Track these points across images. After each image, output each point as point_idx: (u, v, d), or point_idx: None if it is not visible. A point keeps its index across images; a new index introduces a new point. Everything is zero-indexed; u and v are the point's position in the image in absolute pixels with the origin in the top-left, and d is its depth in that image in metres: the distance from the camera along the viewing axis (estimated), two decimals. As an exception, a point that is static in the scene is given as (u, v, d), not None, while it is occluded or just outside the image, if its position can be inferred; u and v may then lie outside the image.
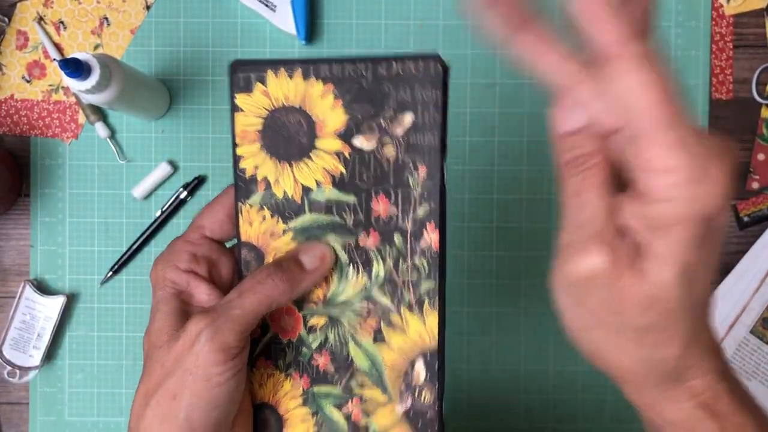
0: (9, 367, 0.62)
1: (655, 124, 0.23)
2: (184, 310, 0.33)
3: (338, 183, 0.32)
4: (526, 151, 0.63)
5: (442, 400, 0.32)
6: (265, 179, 0.33)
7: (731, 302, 0.60)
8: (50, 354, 0.63)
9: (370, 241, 0.32)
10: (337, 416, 0.34)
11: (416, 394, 0.32)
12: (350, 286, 0.33)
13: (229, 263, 0.35)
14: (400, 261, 0.32)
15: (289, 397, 0.34)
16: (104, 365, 0.63)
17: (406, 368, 0.33)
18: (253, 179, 0.33)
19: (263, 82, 0.32)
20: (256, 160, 0.33)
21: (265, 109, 0.32)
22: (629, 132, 0.24)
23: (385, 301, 0.33)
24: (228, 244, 0.36)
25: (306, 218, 0.33)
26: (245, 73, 0.32)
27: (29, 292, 0.62)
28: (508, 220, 0.62)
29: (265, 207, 0.33)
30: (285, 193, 0.33)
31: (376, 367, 0.33)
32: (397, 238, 0.32)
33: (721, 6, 0.62)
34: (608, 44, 0.24)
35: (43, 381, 0.63)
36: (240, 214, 0.34)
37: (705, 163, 0.23)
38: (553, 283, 0.28)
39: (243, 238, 0.34)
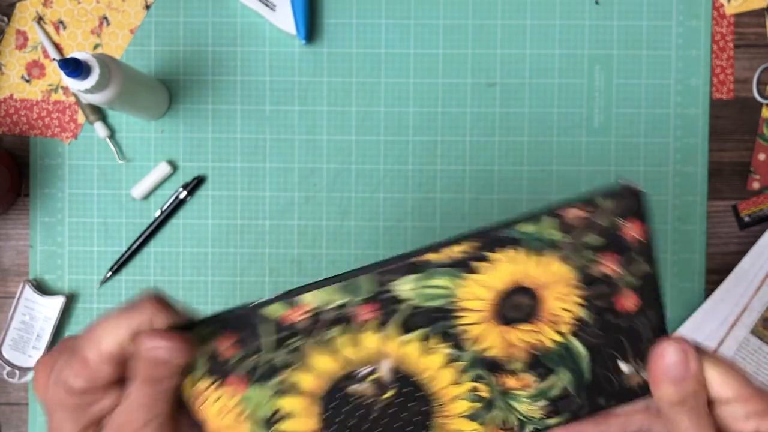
0: (8, 368, 0.62)
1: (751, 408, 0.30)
2: (93, 423, 0.28)
3: None
4: (526, 151, 0.63)
5: None
6: None
7: (732, 302, 0.60)
8: (50, 354, 0.63)
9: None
10: None
11: None
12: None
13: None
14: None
15: None
16: (104, 365, 0.63)
17: None
18: None
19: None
20: None
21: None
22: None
23: None
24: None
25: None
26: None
27: (29, 292, 0.62)
28: (509, 220, 0.62)
29: None
30: None
31: None
32: None
33: (722, 5, 0.62)
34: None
35: (43, 381, 0.63)
36: None
37: None
38: None
39: None
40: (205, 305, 0.63)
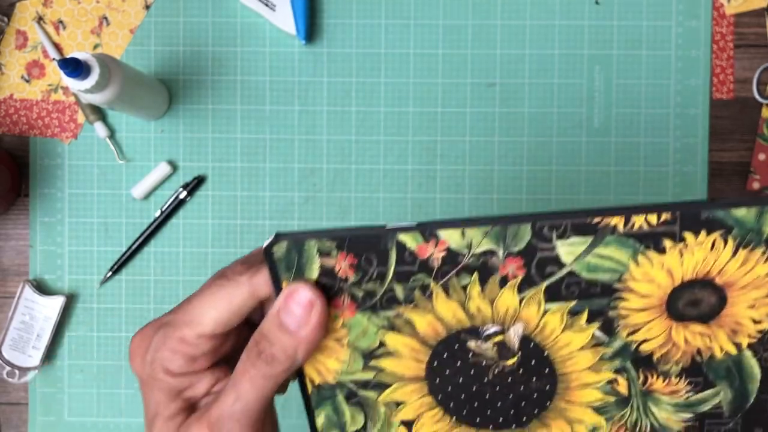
0: (8, 368, 0.62)
1: None
2: (187, 406, 0.28)
3: None
4: (526, 151, 0.63)
5: None
6: None
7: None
8: (50, 354, 0.63)
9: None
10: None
11: None
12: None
13: (237, 333, 0.29)
14: None
15: None
16: (104, 365, 0.63)
17: None
18: None
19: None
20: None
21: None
22: None
23: None
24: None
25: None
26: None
27: (28, 292, 0.62)
28: (509, 220, 0.62)
29: None
30: None
31: None
32: None
33: (722, 5, 0.62)
34: None
35: (43, 381, 0.63)
36: None
37: None
38: None
39: None
40: (205, 305, 0.63)
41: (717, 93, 0.62)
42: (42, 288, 0.63)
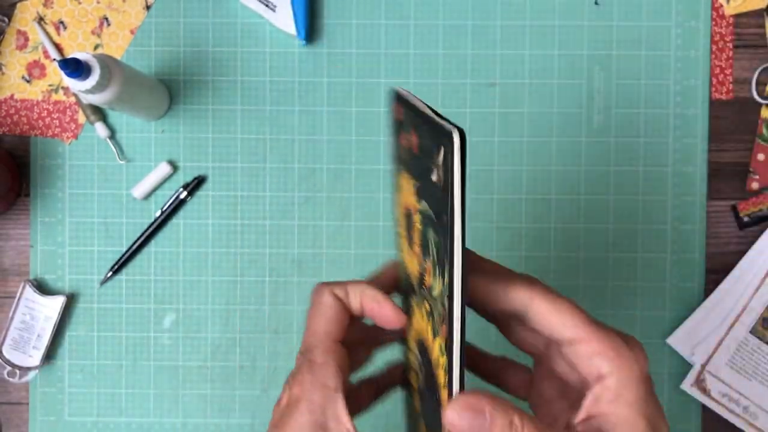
0: (9, 367, 0.62)
1: (579, 339, 0.29)
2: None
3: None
4: (526, 151, 0.63)
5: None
6: None
7: (731, 302, 0.61)
8: (50, 354, 0.63)
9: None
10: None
11: None
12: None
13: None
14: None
15: None
16: (104, 365, 0.63)
17: None
18: None
19: None
20: None
21: None
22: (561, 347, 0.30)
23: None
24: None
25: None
26: None
27: (29, 292, 0.62)
28: (508, 220, 0.62)
29: None
30: None
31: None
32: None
33: (721, 6, 0.62)
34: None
35: (43, 381, 0.63)
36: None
37: (622, 342, 0.29)
38: None
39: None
40: (205, 305, 0.63)
41: (716, 93, 0.63)
42: (42, 288, 0.63)
